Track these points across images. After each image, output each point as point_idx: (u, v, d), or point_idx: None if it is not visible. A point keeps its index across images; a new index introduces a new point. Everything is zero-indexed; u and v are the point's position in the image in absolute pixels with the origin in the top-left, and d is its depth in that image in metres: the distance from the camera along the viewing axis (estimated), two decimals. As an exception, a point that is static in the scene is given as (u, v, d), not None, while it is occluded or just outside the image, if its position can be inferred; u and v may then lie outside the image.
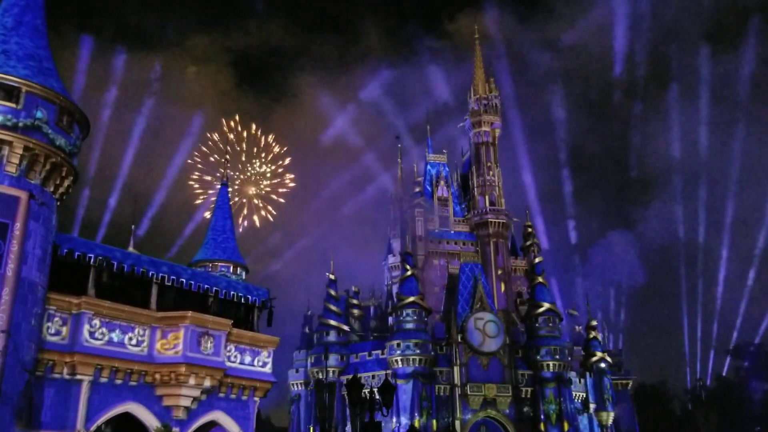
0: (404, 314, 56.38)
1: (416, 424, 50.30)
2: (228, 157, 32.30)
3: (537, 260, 64.09)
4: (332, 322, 59.71)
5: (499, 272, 68.90)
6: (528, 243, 70.31)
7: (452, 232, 71.08)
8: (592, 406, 61.85)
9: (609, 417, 61.83)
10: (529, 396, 57.43)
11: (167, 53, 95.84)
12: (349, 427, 53.81)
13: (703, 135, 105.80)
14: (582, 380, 62.28)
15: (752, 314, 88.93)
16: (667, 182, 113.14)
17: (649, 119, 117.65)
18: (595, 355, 62.81)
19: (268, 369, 25.26)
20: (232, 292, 24.85)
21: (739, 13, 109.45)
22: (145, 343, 21.60)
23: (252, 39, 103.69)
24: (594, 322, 65.50)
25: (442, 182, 73.57)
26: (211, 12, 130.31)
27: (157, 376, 21.60)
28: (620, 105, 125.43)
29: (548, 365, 57.43)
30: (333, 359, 57.96)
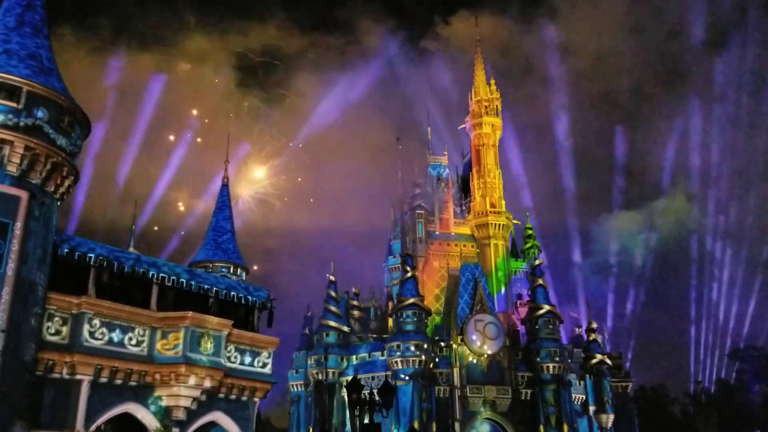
0: (404, 316, 56.36)
1: (416, 426, 50.25)
2: (228, 157, 32.15)
3: (537, 262, 64.08)
4: (332, 324, 59.68)
5: (500, 274, 68.90)
6: (528, 245, 70.33)
7: (452, 233, 71.03)
8: (591, 409, 61.79)
9: (608, 419, 61.77)
10: (528, 398, 57.37)
11: (166, 54, 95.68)
12: (348, 429, 53.78)
13: (706, 137, 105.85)
14: (582, 382, 62.22)
15: (753, 317, 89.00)
16: (671, 185, 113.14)
17: (654, 120, 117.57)
18: (594, 358, 62.77)
19: (268, 370, 25.25)
20: (232, 293, 24.86)
21: (743, 11, 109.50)
22: (145, 344, 21.60)
23: (251, 40, 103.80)
24: (594, 325, 65.47)
25: (442, 184, 73.57)
26: (211, 12, 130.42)
27: (157, 376, 21.58)
28: (624, 106, 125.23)
29: (548, 367, 57.39)
30: (333, 360, 57.92)
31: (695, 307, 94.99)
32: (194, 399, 22.23)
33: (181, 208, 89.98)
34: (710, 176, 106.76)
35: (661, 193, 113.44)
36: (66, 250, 20.70)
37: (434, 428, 53.13)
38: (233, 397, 24.02)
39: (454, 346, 56.91)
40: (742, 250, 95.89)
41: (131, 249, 26.22)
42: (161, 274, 22.77)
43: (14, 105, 19.03)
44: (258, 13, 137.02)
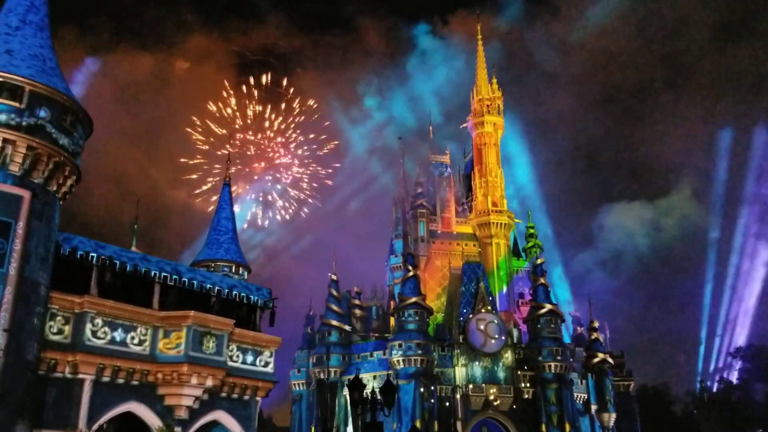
0: (406, 315, 56.39)
1: (418, 425, 50.29)
2: (230, 155, 32.16)
3: (539, 261, 64.08)
4: (334, 323, 59.74)
5: (501, 273, 68.91)
6: (530, 244, 70.32)
7: (454, 232, 71.07)
8: (593, 408, 61.78)
9: (610, 418, 61.75)
10: (530, 397, 57.38)
11: (166, 53, 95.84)
12: (350, 427, 53.83)
13: (710, 134, 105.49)
14: (584, 381, 62.20)
15: (757, 316, 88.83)
16: (675, 182, 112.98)
17: (658, 118, 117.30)
18: (596, 356, 62.74)
19: (270, 369, 25.26)
20: (234, 292, 24.85)
21: (746, 9, 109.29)
22: (147, 343, 21.61)
23: (252, 39, 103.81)
24: (596, 324, 65.41)
25: (444, 183, 73.58)
26: (210, 12, 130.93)
27: (159, 375, 21.60)
28: (628, 103, 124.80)
29: (550, 366, 57.40)
30: (335, 359, 57.98)
31: (698, 306, 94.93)
32: (196, 398, 22.24)
33: (182, 207, 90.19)
34: (715, 174, 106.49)
35: (666, 191, 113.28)
36: (68, 250, 20.70)
37: (436, 427, 53.15)
38: (235, 396, 24.05)
39: (456, 345, 56.93)
40: (747, 248, 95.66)
41: (133, 248, 26.22)
42: (163, 274, 22.77)
43: (17, 105, 19.04)
44: (258, 13, 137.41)
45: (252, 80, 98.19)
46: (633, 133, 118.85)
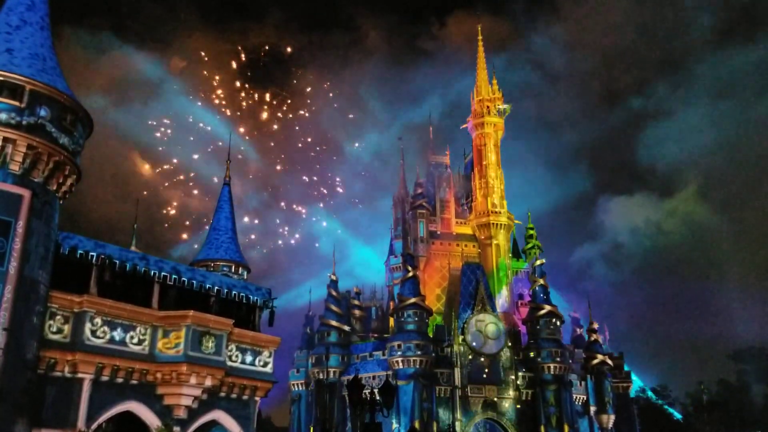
0: (405, 315, 56.35)
1: (417, 426, 50.25)
2: (230, 154, 32.13)
3: (538, 262, 64.04)
4: (333, 323, 59.69)
5: (501, 274, 68.92)
6: (530, 245, 70.31)
7: (454, 233, 71.07)
8: (592, 409, 61.75)
9: (609, 420, 61.71)
10: (529, 398, 57.34)
11: (164, 52, 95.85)
12: (349, 428, 53.82)
13: (714, 134, 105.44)
14: (583, 383, 62.16)
15: (756, 318, 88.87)
16: (677, 183, 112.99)
17: (660, 117, 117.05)
18: (596, 358, 62.72)
19: (269, 369, 25.26)
20: (233, 292, 24.84)
21: (746, 8, 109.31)
22: (146, 342, 21.61)
23: (251, 39, 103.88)
24: (595, 325, 65.39)
25: (444, 183, 73.59)
26: (209, 12, 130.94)
27: (159, 375, 21.61)
28: (628, 103, 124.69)
29: (549, 367, 57.36)
30: (334, 360, 57.94)
31: (698, 308, 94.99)
32: (195, 398, 22.25)
33: (183, 207, 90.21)
34: (717, 174, 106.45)
35: (668, 191, 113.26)
36: (68, 249, 20.70)
37: (435, 428, 53.13)
38: (234, 396, 24.05)
39: (455, 345, 56.89)
40: (749, 249, 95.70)
41: (133, 248, 26.22)
42: (163, 273, 22.77)
43: (17, 104, 19.05)
44: (257, 13, 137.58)
45: (251, 80, 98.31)
46: (634, 132, 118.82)
